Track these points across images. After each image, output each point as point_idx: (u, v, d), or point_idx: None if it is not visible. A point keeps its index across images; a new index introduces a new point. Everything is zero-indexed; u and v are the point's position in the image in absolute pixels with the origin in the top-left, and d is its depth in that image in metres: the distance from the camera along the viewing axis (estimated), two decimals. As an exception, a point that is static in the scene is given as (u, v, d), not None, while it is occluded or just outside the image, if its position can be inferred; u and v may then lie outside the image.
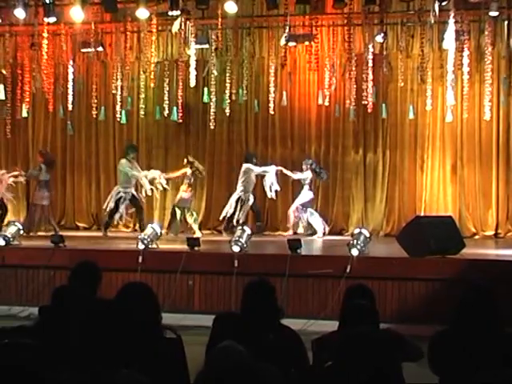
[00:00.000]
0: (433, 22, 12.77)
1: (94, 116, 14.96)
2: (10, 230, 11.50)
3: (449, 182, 14.90)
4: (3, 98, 14.83)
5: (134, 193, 14.24)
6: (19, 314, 9.89)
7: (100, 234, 14.58)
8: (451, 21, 12.67)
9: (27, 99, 14.86)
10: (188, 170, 14.21)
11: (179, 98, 14.39)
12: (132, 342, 3.54)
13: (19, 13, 13.80)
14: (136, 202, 14.27)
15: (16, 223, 11.92)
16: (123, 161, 14.20)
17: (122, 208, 14.17)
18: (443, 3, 12.43)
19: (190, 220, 14.15)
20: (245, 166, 14.30)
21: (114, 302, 4.16)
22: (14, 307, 10.04)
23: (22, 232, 11.73)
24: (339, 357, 3.16)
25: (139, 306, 4.08)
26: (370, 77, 13.46)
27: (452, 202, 14.82)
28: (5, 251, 11.01)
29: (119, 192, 14.14)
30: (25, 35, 14.80)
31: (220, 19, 13.53)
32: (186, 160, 14.37)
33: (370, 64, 13.49)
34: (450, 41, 12.77)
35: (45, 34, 14.26)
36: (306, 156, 14.96)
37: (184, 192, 14.23)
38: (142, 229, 13.01)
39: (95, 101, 14.76)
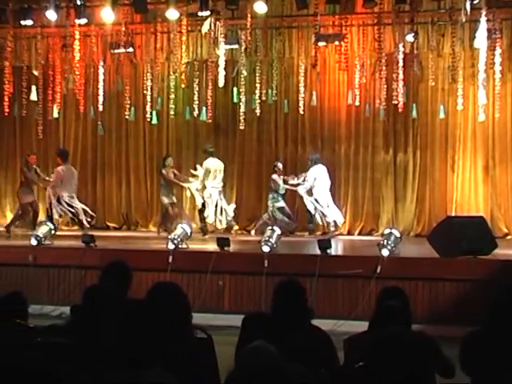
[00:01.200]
0: (464, 20, 12.67)
1: (127, 116, 15.06)
2: (42, 230, 11.60)
3: (480, 182, 14.76)
4: (35, 98, 14.96)
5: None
6: (51, 313, 9.97)
7: (130, 233, 14.64)
8: (483, 19, 12.56)
9: (58, 100, 14.99)
10: None
11: (209, 98, 14.42)
12: (162, 341, 3.54)
13: (51, 14, 13.96)
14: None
15: (47, 223, 12.00)
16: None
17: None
18: (475, 1, 12.33)
19: None
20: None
21: (144, 301, 4.17)
22: (46, 306, 10.11)
23: (53, 232, 11.82)
24: (371, 357, 3.14)
25: (169, 305, 4.08)
26: (401, 76, 13.39)
27: (484, 203, 14.67)
28: (37, 251, 11.11)
29: None
30: (56, 37, 14.94)
31: (250, 19, 13.53)
32: None
33: (401, 63, 13.41)
34: (481, 39, 12.65)
35: (76, 36, 14.38)
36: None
37: None
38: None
39: (127, 101, 14.84)
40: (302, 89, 14.14)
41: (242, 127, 14.52)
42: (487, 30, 12.62)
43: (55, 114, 15.24)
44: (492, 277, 9.27)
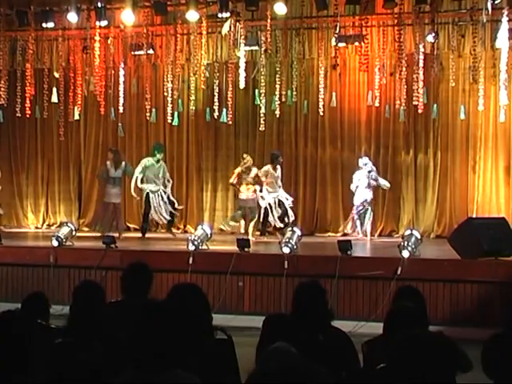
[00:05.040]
0: (485, 20, 12.61)
1: (148, 118, 15.09)
2: (63, 231, 11.67)
3: (502, 183, 14.66)
4: (56, 100, 15.05)
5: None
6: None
7: (150, 234, 14.71)
8: (504, 19, 12.49)
9: (79, 102, 15.06)
10: (239, 170, 13.99)
11: (229, 99, 14.42)
12: (183, 342, 3.56)
13: (72, 17, 14.06)
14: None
15: (69, 224, 12.07)
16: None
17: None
18: (496, 1, 12.26)
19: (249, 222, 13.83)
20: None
21: (164, 302, 4.19)
22: (67, 307, 10.16)
23: (74, 233, 11.89)
24: (390, 359, 3.14)
25: (190, 306, 4.09)
26: (421, 77, 13.31)
27: (505, 204, 14.55)
28: (58, 252, 11.18)
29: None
30: (77, 39, 15.02)
31: (269, 21, 13.52)
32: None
33: (421, 64, 13.35)
34: (503, 39, 12.57)
35: (96, 38, 14.46)
36: (363, 154, 14.78)
37: (241, 193, 13.94)
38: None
39: (148, 103, 14.87)
40: (321, 90, 14.10)
41: (262, 128, 14.50)
42: (509, 30, 12.53)
43: (76, 116, 15.32)
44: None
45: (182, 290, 4.36)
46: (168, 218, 14.24)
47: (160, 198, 14.04)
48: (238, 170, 13.88)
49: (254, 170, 13.78)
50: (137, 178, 13.96)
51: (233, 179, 13.97)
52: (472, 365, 4.18)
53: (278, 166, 13.99)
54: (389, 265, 9.90)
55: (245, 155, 14.10)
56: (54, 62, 15.35)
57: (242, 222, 14.00)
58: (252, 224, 13.69)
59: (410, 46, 13.69)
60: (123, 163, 14.54)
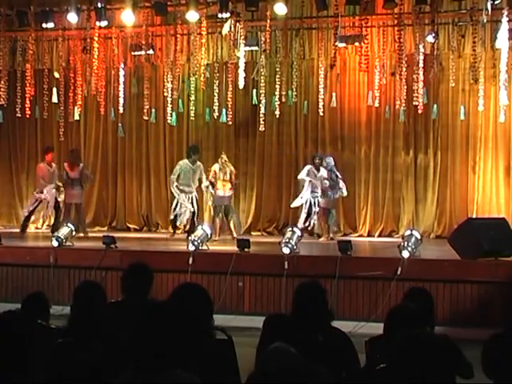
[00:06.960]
0: (485, 20, 12.61)
1: (146, 118, 15.08)
2: (63, 231, 11.67)
3: (502, 183, 14.65)
4: (56, 101, 15.05)
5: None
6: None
7: (150, 235, 14.71)
8: (504, 19, 12.49)
9: (79, 102, 15.04)
10: (216, 167, 14.13)
11: (229, 99, 14.42)
12: (183, 342, 3.56)
13: (72, 17, 14.07)
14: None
15: (69, 224, 12.07)
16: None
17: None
18: (496, 2, 12.26)
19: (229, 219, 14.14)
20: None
21: (165, 302, 4.19)
22: (67, 307, 10.15)
23: (74, 233, 11.90)
24: (390, 359, 3.14)
25: (194, 306, 4.09)
26: (421, 77, 13.31)
27: (505, 204, 14.55)
28: (58, 252, 11.18)
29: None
30: (77, 39, 15.00)
31: (269, 21, 13.54)
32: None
33: (421, 64, 13.35)
34: (503, 40, 12.57)
35: (96, 38, 14.46)
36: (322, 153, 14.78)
37: (218, 190, 14.05)
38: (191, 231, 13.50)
39: (148, 103, 14.86)
40: (321, 90, 14.09)
41: (261, 129, 14.49)
42: (509, 31, 12.53)
43: (76, 116, 15.31)
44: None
45: (185, 290, 4.35)
46: (185, 224, 14.28)
47: (189, 202, 14.04)
48: (216, 167, 14.10)
49: (231, 168, 14.14)
50: (173, 181, 14.09)
51: (210, 176, 14.11)
52: (473, 374, 4.19)
53: (322, 168, 14.03)
54: (389, 265, 9.90)
55: (223, 153, 14.35)
56: (54, 63, 15.35)
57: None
58: (232, 224, 14.09)
59: (410, 47, 13.69)
60: (81, 165, 14.63)
